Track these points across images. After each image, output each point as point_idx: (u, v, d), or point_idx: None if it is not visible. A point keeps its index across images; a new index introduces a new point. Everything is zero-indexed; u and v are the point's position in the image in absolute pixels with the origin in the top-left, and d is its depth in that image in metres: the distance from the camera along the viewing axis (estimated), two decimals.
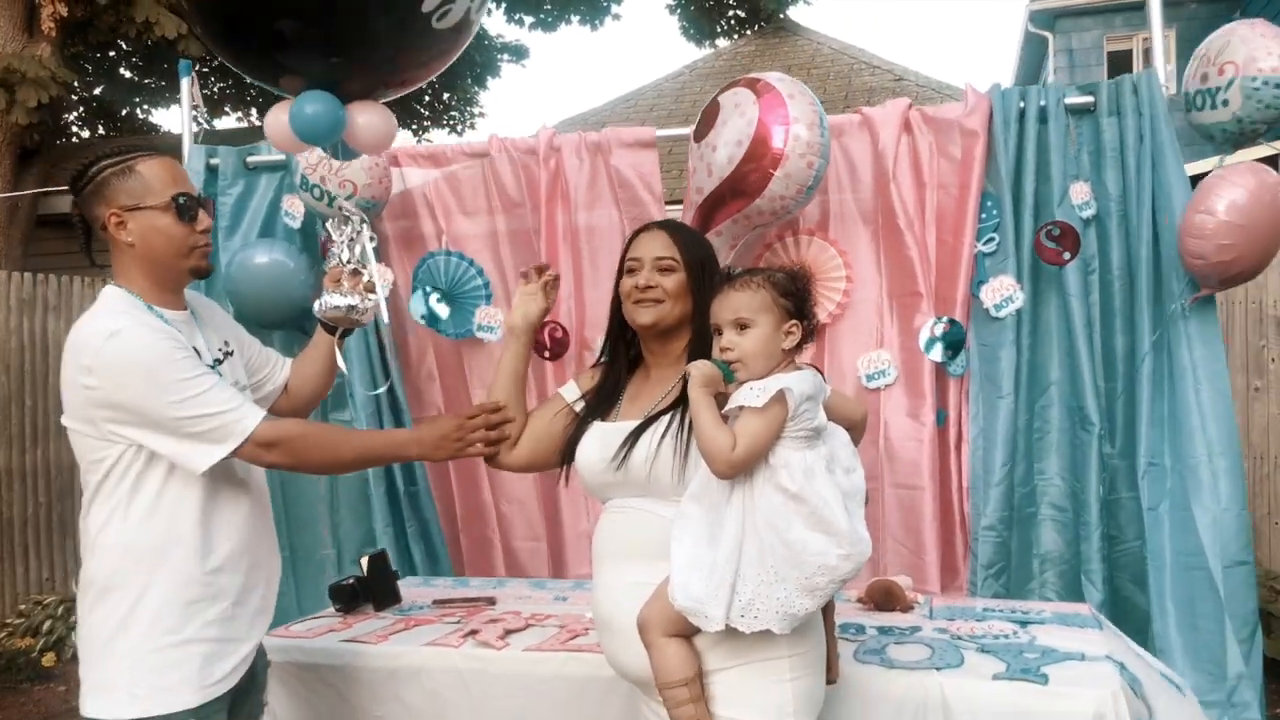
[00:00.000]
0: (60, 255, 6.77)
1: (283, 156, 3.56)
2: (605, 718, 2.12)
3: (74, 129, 11.70)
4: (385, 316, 2.25)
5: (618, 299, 1.90)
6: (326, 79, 1.85)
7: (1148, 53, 3.17)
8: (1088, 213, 3.07)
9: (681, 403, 1.71)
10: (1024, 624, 2.41)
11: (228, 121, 12.30)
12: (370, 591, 2.75)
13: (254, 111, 12.30)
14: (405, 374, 3.62)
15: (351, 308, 2.13)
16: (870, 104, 3.90)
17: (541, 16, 12.51)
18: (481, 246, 3.58)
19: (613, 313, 1.93)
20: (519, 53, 13.23)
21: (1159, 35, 3.13)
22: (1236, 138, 2.80)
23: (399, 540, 3.51)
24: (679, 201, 3.38)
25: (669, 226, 1.92)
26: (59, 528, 5.52)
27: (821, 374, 1.73)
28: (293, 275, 3.46)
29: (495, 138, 3.54)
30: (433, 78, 2.08)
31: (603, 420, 1.87)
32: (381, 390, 3.46)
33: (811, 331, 1.70)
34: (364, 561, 2.80)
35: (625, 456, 1.73)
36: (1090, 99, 3.09)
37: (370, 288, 2.17)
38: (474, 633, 2.39)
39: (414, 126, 13.03)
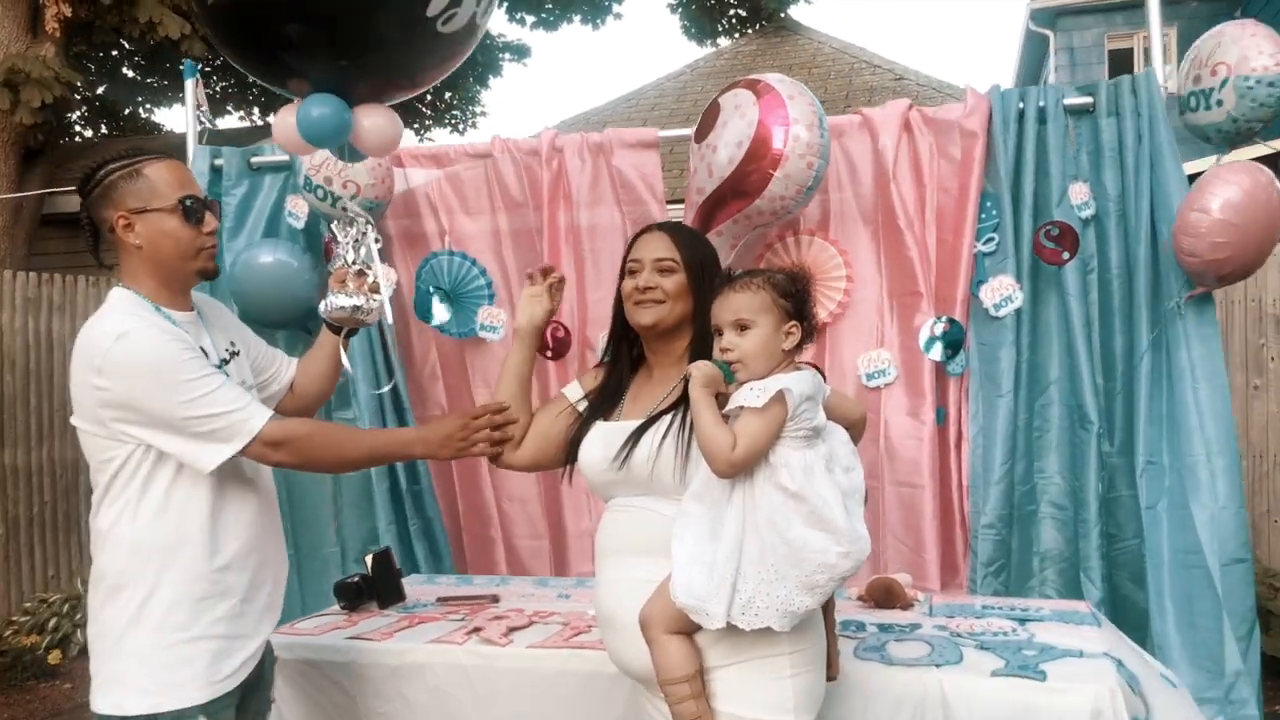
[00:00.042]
0: (64, 255, 6.79)
1: (286, 157, 3.58)
2: (608, 714, 2.13)
3: (77, 128, 11.72)
4: (389, 317, 2.27)
5: (620, 300, 1.92)
6: (332, 82, 1.87)
7: (1148, 51, 3.19)
8: (1086, 213, 3.09)
9: (683, 403, 1.73)
10: (1023, 621, 2.43)
11: (230, 120, 12.34)
12: (375, 589, 2.77)
13: (256, 110, 12.32)
14: (408, 373, 3.64)
15: (357, 308, 2.15)
16: (871, 103, 3.92)
17: (543, 16, 12.53)
18: (484, 246, 3.60)
19: (615, 314, 1.95)
20: (521, 52, 13.25)
21: (1157, 35, 3.14)
22: (1233, 137, 2.81)
23: (402, 538, 3.52)
24: (681, 201, 3.39)
25: (669, 228, 1.94)
26: (64, 526, 5.54)
27: (822, 373, 1.75)
28: (296, 275, 3.48)
29: (498, 138, 3.56)
30: (439, 82, 2.09)
31: (605, 420, 1.88)
32: (385, 389, 3.48)
33: (811, 332, 1.72)
34: (369, 559, 2.83)
35: (627, 455, 1.75)
36: (1089, 100, 3.10)
37: (375, 288, 2.19)
38: (478, 630, 2.41)
39: (416, 125, 13.05)
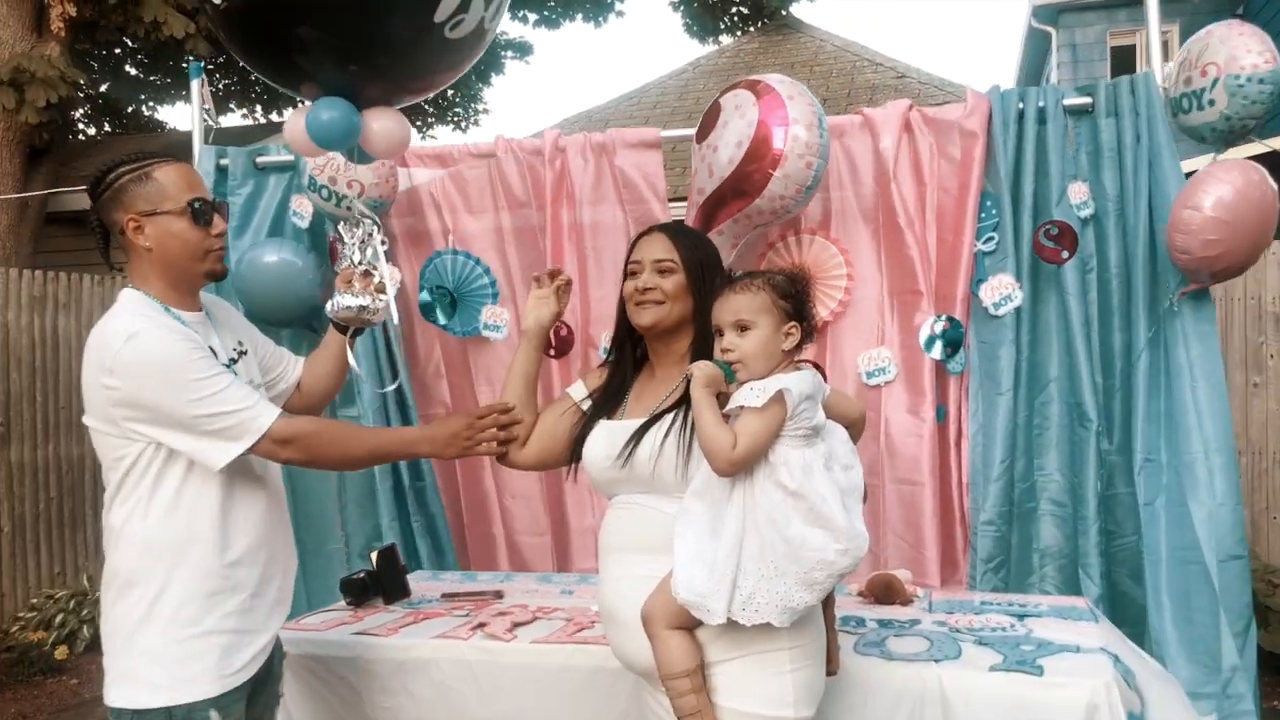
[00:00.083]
0: (70, 253, 6.82)
1: (291, 157, 3.60)
2: (611, 708, 2.16)
3: (81, 126, 11.74)
4: (395, 317, 2.30)
5: (624, 301, 1.95)
6: (342, 86, 1.89)
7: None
8: (1086, 212, 3.11)
9: (685, 402, 1.75)
10: (1021, 617, 2.45)
11: (233, 118, 12.36)
12: (380, 585, 2.79)
13: (259, 108, 12.35)
14: (413, 371, 3.67)
15: (363, 308, 2.18)
16: (872, 101, 3.93)
17: (545, 14, 12.53)
18: (487, 245, 3.62)
19: (619, 314, 1.97)
20: (523, 49, 13.26)
21: (1156, 35, 3.16)
22: (1227, 136, 2.84)
23: (405, 535, 3.55)
24: (683, 199, 3.42)
25: (669, 229, 1.96)
26: (70, 523, 5.58)
27: (822, 372, 1.77)
28: (301, 274, 3.51)
29: (501, 138, 3.58)
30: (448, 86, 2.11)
31: (609, 418, 1.90)
32: (390, 388, 3.51)
33: (810, 332, 1.73)
34: (374, 555, 2.85)
35: (630, 454, 1.77)
36: (1088, 100, 3.13)
37: (381, 288, 2.21)
38: (482, 625, 2.44)
39: (419, 123, 13.07)
